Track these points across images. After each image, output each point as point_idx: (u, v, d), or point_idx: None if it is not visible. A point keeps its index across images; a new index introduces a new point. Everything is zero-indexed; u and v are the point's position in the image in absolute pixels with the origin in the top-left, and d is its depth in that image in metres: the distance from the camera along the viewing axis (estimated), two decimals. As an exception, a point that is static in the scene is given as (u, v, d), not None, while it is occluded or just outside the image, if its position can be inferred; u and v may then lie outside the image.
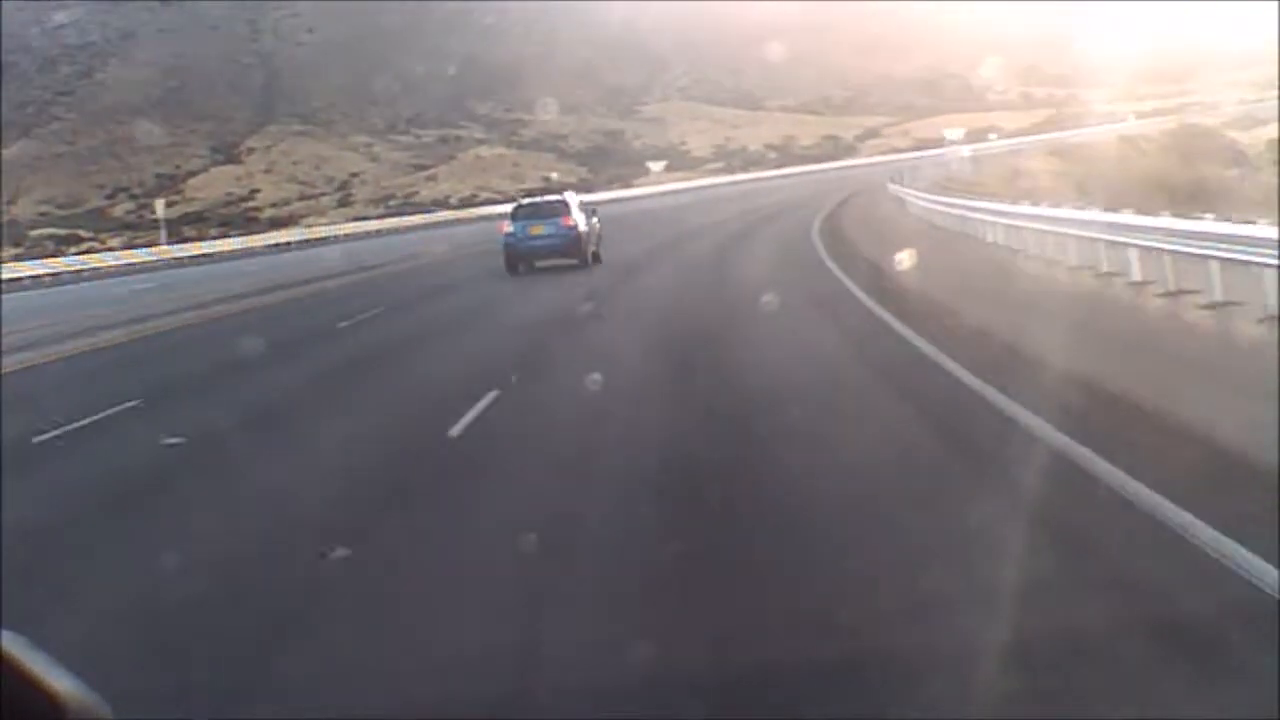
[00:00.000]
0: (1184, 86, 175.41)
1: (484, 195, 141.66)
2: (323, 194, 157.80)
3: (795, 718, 5.72)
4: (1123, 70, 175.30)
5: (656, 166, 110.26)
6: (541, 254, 37.47)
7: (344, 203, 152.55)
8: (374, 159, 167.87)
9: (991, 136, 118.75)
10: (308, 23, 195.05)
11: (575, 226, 37.51)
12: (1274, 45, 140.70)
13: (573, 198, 39.97)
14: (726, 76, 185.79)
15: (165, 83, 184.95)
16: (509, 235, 37.88)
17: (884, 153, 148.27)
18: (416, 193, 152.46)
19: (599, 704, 6.09)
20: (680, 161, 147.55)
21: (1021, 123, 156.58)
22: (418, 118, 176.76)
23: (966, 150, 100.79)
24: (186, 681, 6.93)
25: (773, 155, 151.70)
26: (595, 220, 40.12)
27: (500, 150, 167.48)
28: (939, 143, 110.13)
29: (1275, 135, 56.44)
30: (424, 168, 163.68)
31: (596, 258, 38.74)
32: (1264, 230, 15.58)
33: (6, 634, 1.69)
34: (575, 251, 37.43)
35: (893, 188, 57.35)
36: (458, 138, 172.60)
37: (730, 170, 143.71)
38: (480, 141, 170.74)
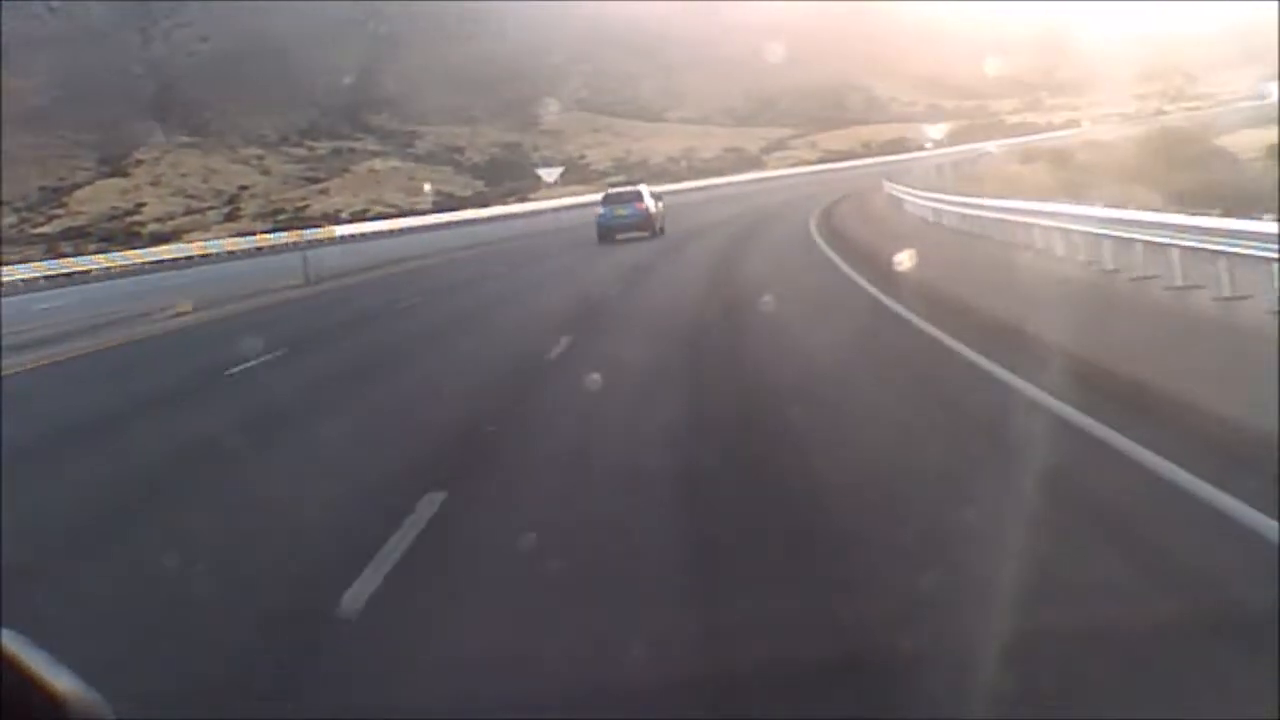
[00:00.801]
0: (1091, 98, 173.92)
1: (376, 209, 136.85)
2: (210, 208, 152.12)
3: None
4: (1032, 80, 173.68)
5: (550, 175, 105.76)
6: (623, 228, 48.03)
7: (231, 217, 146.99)
8: (265, 172, 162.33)
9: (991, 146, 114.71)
10: (201, 31, 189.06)
11: (647, 209, 48.69)
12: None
13: (645, 189, 51.92)
14: (627, 88, 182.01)
15: (51, 92, 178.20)
16: (601, 215, 49.43)
17: (793, 165, 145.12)
18: (308, 206, 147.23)
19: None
20: (578, 174, 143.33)
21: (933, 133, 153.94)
22: (311, 129, 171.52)
23: (992, 146, 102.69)
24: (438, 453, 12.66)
25: (677, 167, 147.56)
26: (660, 204, 50.92)
27: (395, 163, 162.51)
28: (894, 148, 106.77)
29: (1273, 140, 54.62)
30: (316, 181, 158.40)
31: (663, 230, 48.91)
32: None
33: (6, 633, 1.69)
34: (648, 226, 48.30)
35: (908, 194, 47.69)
36: (351, 150, 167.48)
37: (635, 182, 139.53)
38: (375, 154, 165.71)
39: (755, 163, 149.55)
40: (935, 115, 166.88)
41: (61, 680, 1.69)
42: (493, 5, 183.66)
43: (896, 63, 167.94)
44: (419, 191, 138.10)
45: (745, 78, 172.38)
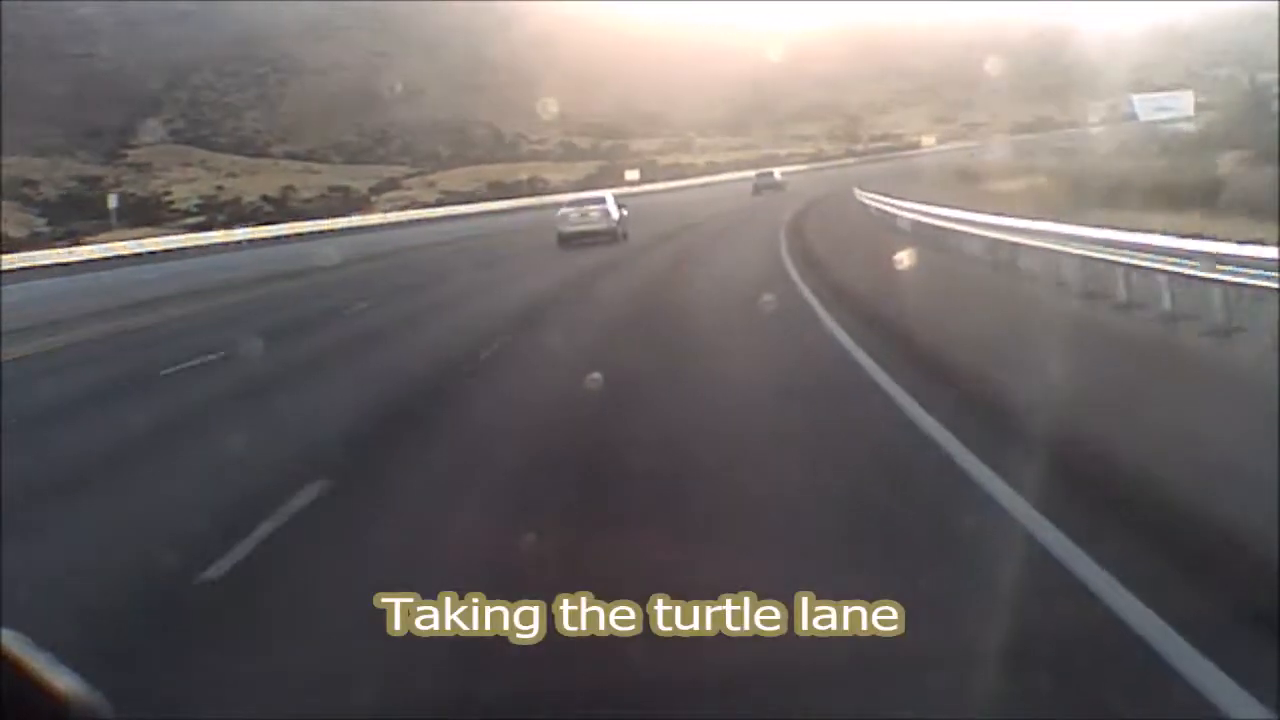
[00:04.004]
0: (747, 139, 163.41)
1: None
2: None
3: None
4: (678, 120, 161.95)
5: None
6: (587, 236, 48.37)
7: None
8: None
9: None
10: None
11: (610, 215, 49.62)
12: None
13: (610, 195, 53.25)
14: (229, 118, 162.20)
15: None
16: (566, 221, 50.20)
17: (404, 207, 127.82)
18: None
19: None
20: (155, 215, 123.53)
21: (569, 175, 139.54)
22: None
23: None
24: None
25: (268, 209, 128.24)
26: (625, 211, 51.17)
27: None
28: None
29: None
30: None
31: (625, 236, 49.38)
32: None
33: (8, 633, 1.71)
34: (610, 233, 48.82)
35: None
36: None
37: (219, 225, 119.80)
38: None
39: (362, 204, 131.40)
40: (570, 155, 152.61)
41: (62, 680, 1.70)
42: (89, 8, 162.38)
43: (527, 98, 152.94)
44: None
45: (359, 110, 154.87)
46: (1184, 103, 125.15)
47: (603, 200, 50.89)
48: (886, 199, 43.92)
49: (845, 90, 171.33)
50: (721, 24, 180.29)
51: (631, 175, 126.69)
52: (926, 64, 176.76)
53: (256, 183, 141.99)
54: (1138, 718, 5.30)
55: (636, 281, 31.09)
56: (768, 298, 22.28)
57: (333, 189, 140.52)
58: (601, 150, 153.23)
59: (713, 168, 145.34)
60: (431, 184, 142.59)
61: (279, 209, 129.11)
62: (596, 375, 14.98)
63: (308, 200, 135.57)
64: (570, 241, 47.29)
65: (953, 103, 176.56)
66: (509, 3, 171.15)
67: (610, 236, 47.68)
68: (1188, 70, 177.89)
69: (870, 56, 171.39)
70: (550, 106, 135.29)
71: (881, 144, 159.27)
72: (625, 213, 50.52)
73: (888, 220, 41.03)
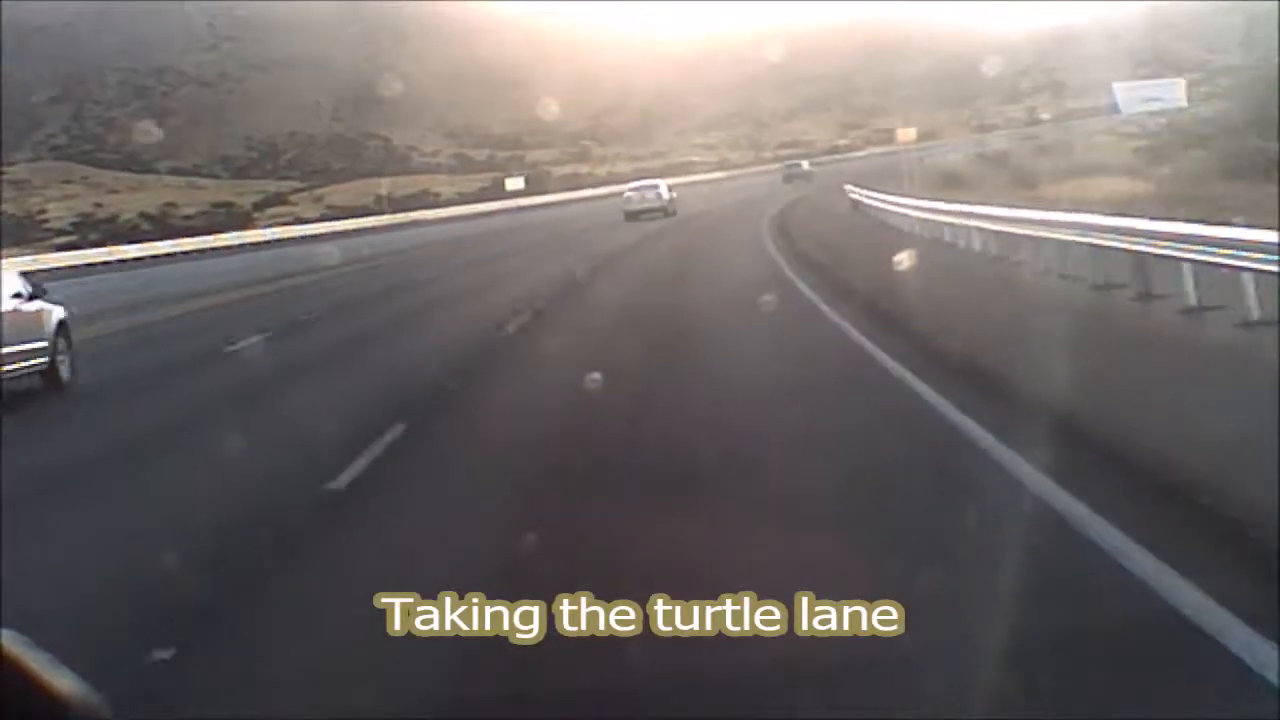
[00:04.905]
0: (652, 148, 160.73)
1: None
2: None
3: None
4: (575, 129, 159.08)
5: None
6: (645, 213, 62.63)
7: None
8: None
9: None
10: None
11: (662, 196, 65.05)
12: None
13: (662, 183, 70.45)
14: (113, 133, 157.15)
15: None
16: (628, 201, 65.39)
17: (288, 222, 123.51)
18: None
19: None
20: (26, 235, 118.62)
21: (462, 187, 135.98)
22: None
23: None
24: None
25: (146, 227, 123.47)
26: (674, 194, 66.62)
27: None
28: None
29: None
30: None
31: (674, 212, 63.13)
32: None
33: (7, 633, 1.70)
34: (662, 210, 63.36)
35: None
36: None
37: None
38: None
39: (244, 220, 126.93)
40: (463, 167, 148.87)
41: (62, 680, 1.69)
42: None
43: (422, 110, 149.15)
44: None
45: (248, 123, 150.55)
46: (1175, 91, 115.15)
47: (656, 186, 68.44)
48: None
49: (752, 97, 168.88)
50: (624, 31, 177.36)
51: (514, 184, 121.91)
52: (833, 69, 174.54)
53: (138, 200, 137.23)
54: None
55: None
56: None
57: (216, 205, 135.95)
58: (497, 162, 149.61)
59: (613, 177, 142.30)
60: (319, 199, 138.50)
61: (159, 226, 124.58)
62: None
63: (189, 217, 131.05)
64: (634, 217, 61.77)
65: (860, 108, 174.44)
66: (411, 4, 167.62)
67: (663, 212, 62.64)
68: (1091, 77, 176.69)
69: (777, 63, 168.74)
70: (446, 118, 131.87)
71: (792, 150, 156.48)
72: (674, 195, 66.58)
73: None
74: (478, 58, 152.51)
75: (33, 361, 18.20)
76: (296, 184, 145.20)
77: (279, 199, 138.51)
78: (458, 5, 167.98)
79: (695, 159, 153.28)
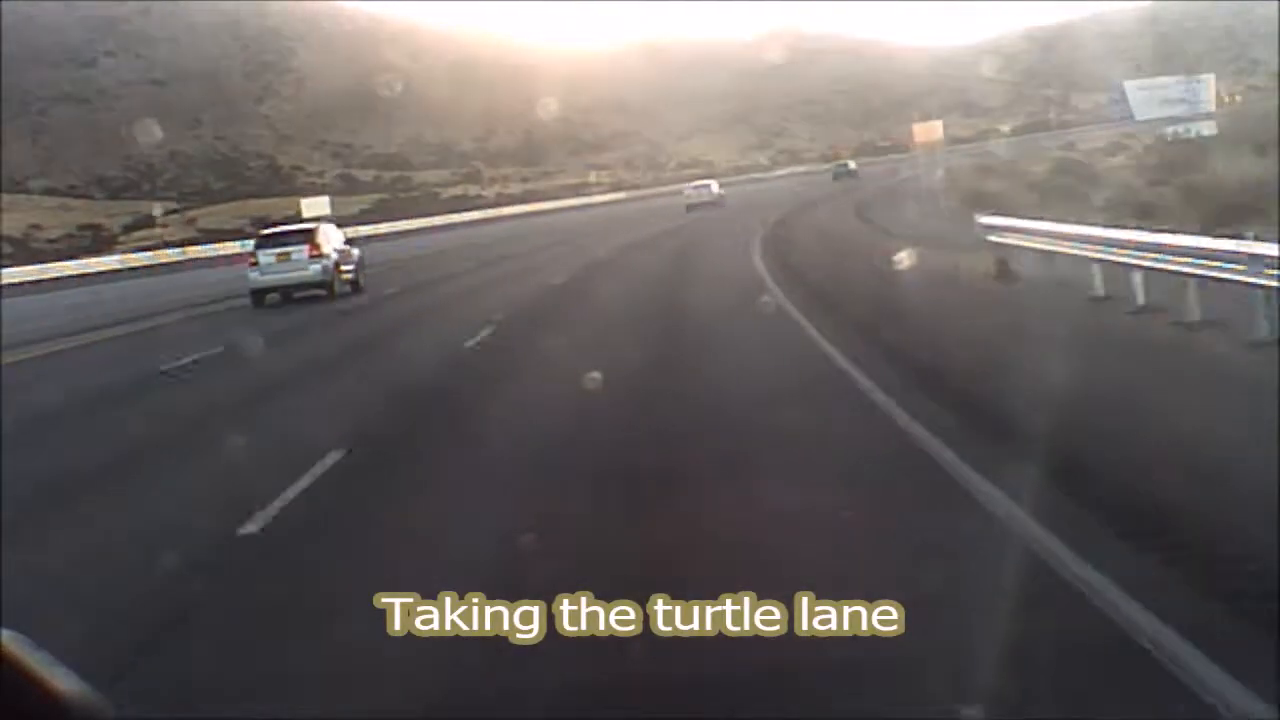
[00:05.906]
0: (541, 169, 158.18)
1: None
2: None
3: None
4: (465, 149, 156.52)
5: None
6: (701, 206, 78.48)
7: None
8: None
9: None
10: None
11: (714, 192, 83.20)
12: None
13: (714, 183, 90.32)
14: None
15: None
16: (689, 197, 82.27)
17: (156, 246, 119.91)
18: None
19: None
20: None
21: (343, 210, 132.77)
22: None
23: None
24: None
25: (8, 250, 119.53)
26: (722, 191, 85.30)
27: None
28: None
29: None
30: None
31: (725, 204, 79.34)
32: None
33: (7, 633, 1.70)
34: (715, 203, 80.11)
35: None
36: None
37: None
38: None
39: (108, 244, 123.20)
40: (351, 188, 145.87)
41: (62, 680, 1.70)
42: None
43: (309, 130, 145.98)
44: None
45: (128, 142, 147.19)
46: (1202, 92, 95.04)
47: (709, 185, 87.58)
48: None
49: (649, 118, 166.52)
50: (516, 47, 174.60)
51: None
52: (737, 88, 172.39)
53: (5, 220, 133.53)
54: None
55: None
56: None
57: (82, 227, 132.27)
58: (384, 183, 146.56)
59: (504, 199, 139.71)
60: (191, 221, 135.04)
61: (20, 249, 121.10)
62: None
63: (53, 240, 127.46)
64: (694, 209, 75.84)
65: (763, 129, 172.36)
66: (300, 7, 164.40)
67: (716, 205, 78.33)
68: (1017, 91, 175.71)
69: (676, 83, 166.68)
70: (332, 137, 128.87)
71: (693, 170, 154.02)
72: (724, 191, 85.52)
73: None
74: (366, 80, 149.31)
75: (353, 277, 36.09)
76: (171, 205, 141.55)
77: (149, 221, 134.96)
78: (351, 11, 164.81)
79: (591, 179, 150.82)
